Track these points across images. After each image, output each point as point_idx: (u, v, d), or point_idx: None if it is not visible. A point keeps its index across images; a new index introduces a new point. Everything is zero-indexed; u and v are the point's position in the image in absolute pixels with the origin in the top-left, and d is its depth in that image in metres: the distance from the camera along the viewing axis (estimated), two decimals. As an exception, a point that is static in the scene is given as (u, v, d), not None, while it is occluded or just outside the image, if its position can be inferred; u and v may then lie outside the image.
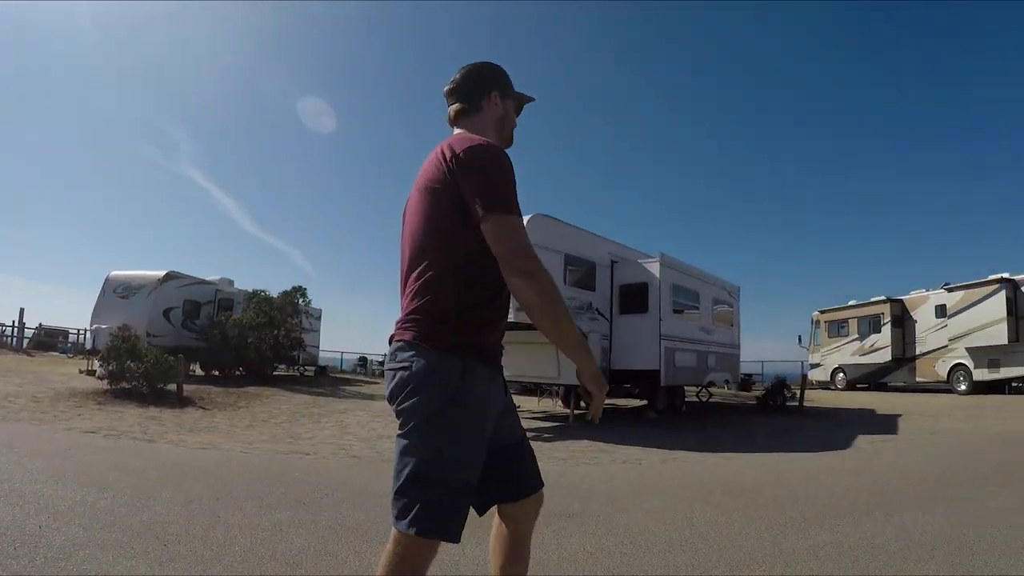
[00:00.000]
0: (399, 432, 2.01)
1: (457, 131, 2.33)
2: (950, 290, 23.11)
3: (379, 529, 4.61)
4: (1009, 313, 20.75)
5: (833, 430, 12.92)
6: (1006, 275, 21.54)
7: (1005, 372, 21.46)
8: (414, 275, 2.10)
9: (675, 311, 15.18)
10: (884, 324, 24.98)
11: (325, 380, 25.68)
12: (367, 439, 10.61)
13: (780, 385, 18.88)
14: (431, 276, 2.06)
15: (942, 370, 23.05)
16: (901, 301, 25.21)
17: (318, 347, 31.03)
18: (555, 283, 2.00)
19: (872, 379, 26.13)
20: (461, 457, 1.99)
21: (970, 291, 22.05)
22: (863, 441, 11.11)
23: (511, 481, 2.29)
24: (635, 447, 10.06)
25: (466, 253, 2.05)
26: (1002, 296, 20.86)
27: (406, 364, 2.01)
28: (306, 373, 27.99)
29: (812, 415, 16.49)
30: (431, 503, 1.91)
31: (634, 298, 14.74)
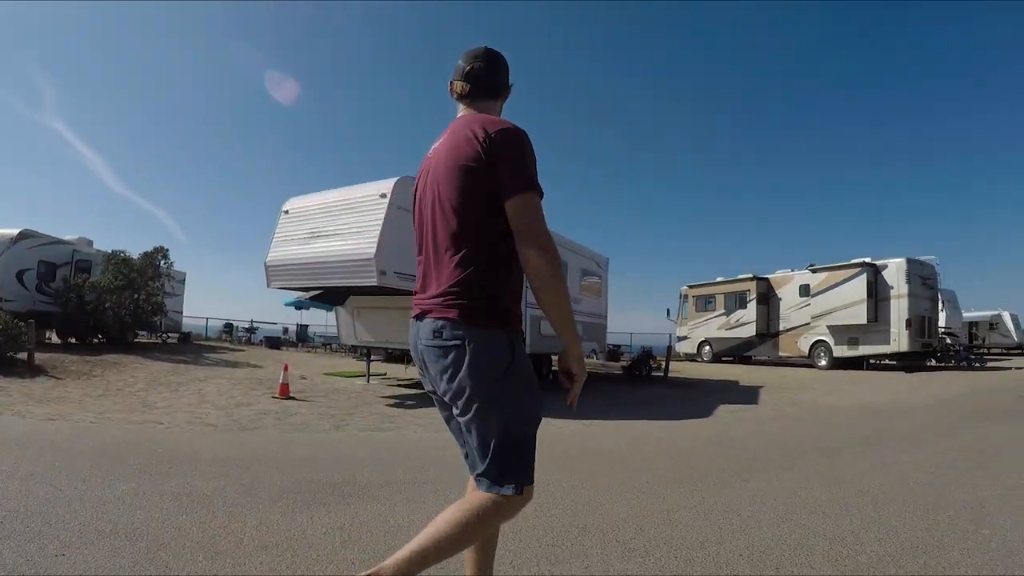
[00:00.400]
0: (462, 411, 2.13)
1: (465, 110, 2.41)
2: (815, 271, 24.02)
3: (227, 498, 4.45)
4: (869, 295, 21.86)
5: (696, 400, 13.19)
6: (868, 259, 22.63)
7: (863, 350, 22.73)
8: (451, 254, 2.17)
9: None
10: (750, 301, 25.77)
11: (188, 347, 24.56)
12: (225, 407, 10.19)
13: (646, 356, 19.22)
14: (472, 257, 2.15)
15: (804, 346, 24.05)
16: (767, 279, 26.03)
17: (182, 313, 29.21)
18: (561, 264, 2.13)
19: (737, 352, 26.94)
20: (530, 416, 2.21)
21: (834, 273, 23.05)
22: (724, 410, 11.32)
23: None
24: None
25: (500, 233, 2.13)
26: (863, 279, 21.93)
27: (458, 342, 2.10)
28: (169, 340, 26.87)
29: (676, 385, 16.88)
30: (524, 461, 2.15)
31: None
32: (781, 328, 24.84)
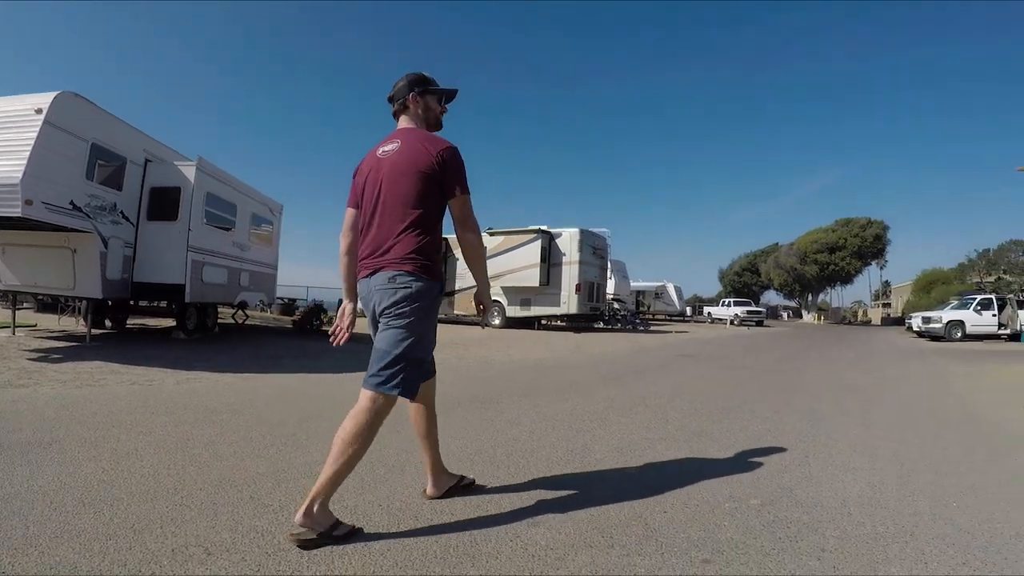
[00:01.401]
0: (393, 327, 3.08)
1: (403, 124, 3.41)
2: (492, 234, 25.19)
3: None
4: (543, 260, 23.68)
5: (361, 354, 12.89)
6: (544, 227, 24.32)
7: (536, 311, 24.71)
8: (404, 227, 3.12)
9: (209, 223, 13.53)
10: None
11: None
12: None
13: (316, 309, 18.95)
14: (420, 231, 3.14)
15: (493, 305, 25.12)
16: (447, 239, 26.23)
17: None
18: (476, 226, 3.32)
19: None
20: (429, 346, 3.25)
21: (510, 237, 24.47)
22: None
23: None
24: (153, 368, 9.13)
25: (437, 219, 3.25)
26: (538, 245, 23.67)
27: (408, 285, 3.08)
28: None
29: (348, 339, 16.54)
30: (413, 375, 3.14)
31: (164, 203, 12.61)
32: (458, 287, 25.60)
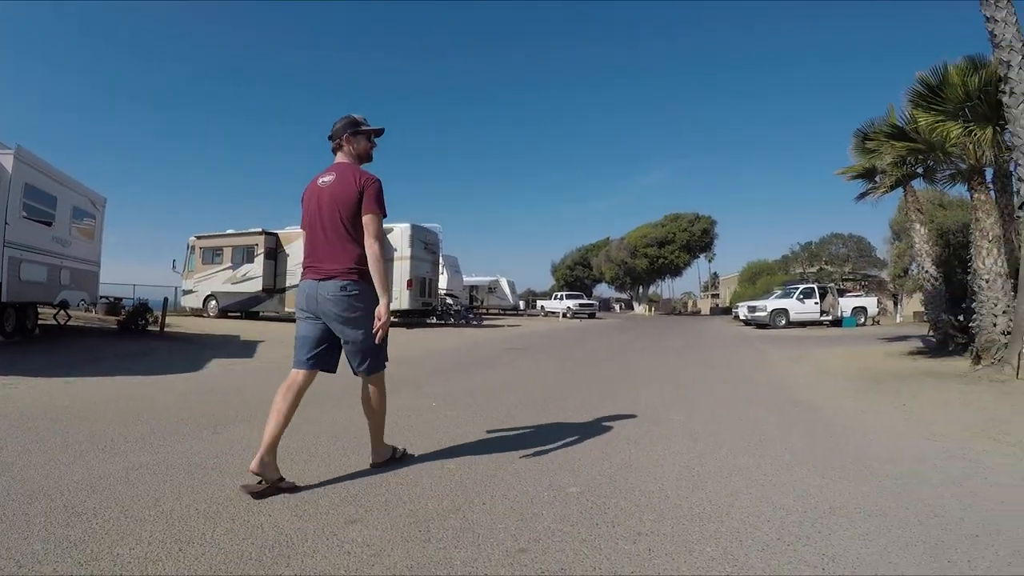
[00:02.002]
0: (352, 327, 3.96)
1: (339, 159, 4.21)
2: (322, 229, 24.34)
3: None
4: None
5: (189, 354, 12.61)
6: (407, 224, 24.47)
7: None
8: (341, 245, 3.97)
9: (27, 216, 12.18)
10: (258, 255, 25.37)
11: None
12: None
13: (142, 309, 17.97)
14: (354, 246, 3.97)
15: (309, 304, 24.26)
16: (276, 235, 25.92)
17: None
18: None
19: (244, 308, 26.17)
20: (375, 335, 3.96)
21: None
22: (216, 364, 10.99)
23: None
24: (-33, 374, 8.40)
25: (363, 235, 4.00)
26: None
27: (357, 291, 3.94)
28: None
29: (173, 339, 15.94)
30: (383, 354, 4.19)
31: (-23, 196, 11.20)
32: (288, 284, 24.92)
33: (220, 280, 26.43)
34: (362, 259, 3.95)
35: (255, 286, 25.24)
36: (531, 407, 7.07)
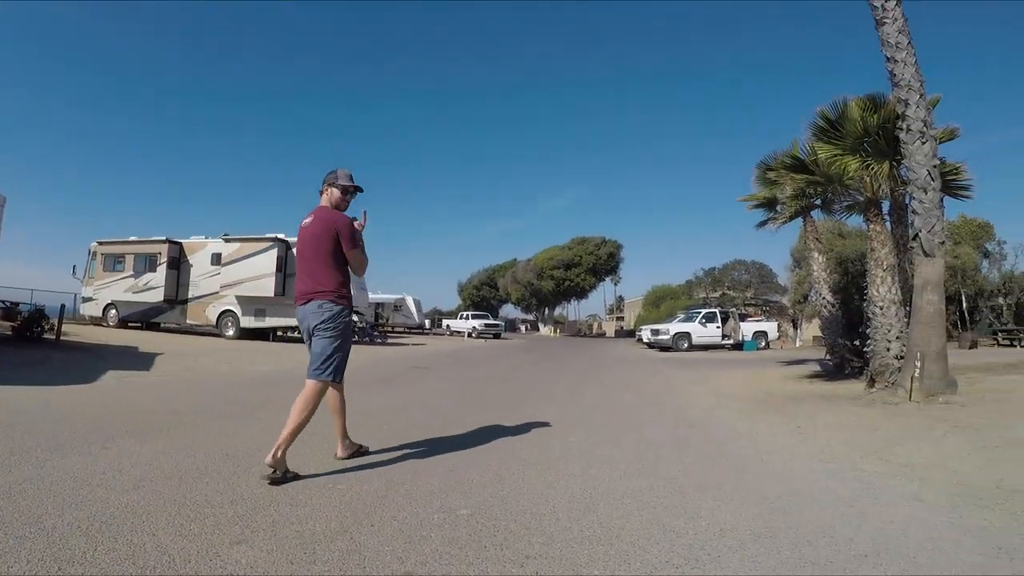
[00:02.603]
0: (324, 338, 4.74)
1: (321, 202, 5.05)
2: (228, 240, 23.92)
3: None
4: (278, 269, 22.73)
5: (85, 364, 12.19)
6: (281, 235, 23.45)
7: (270, 321, 23.55)
8: (322, 273, 4.82)
9: None
10: (160, 264, 24.34)
11: None
12: None
13: (38, 315, 17.23)
14: (333, 274, 4.85)
15: (212, 315, 23.84)
16: (180, 244, 24.98)
17: None
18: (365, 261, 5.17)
19: (145, 318, 25.20)
20: (349, 348, 4.97)
21: (246, 244, 23.32)
22: (112, 376, 10.67)
23: None
24: None
25: (342, 263, 4.93)
26: (274, 253, 22.73)
27: (332, 310, 4.77)
28: None
29: (70, 349, 15.34)
30: (341, 367, 4.86)
31: None
32: (191, 295, 24.17)
33: (121, 288, 25.15)
34: (339, 285, 4.87)
35: (156, 296, 24.17)
36: (429, 427, 6.92)
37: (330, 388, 4.91)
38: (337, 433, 5.17)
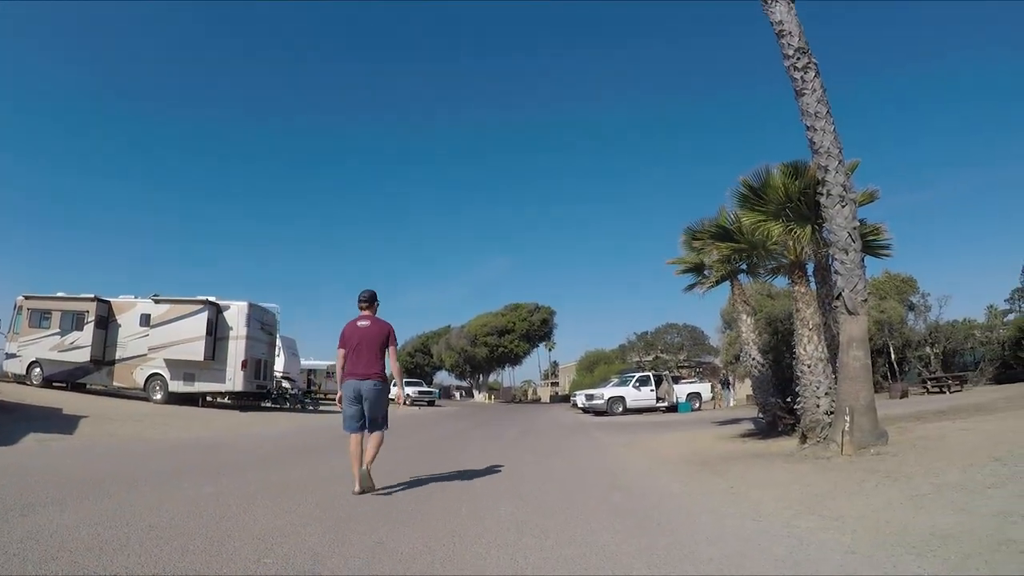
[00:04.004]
0: (374, 405, 7.04)
1: (368, 312, 7.36)
2: (158, 301, 23.33)
3: None
4: (209, 333, 22.23)
5: (5, 424, 11.81)
6: (212, 298, 23.07)
7: (200, 386, 22.85)
8: (376, 361, 7.09)
9: None
10: (88, 323, 23.26)
11: None
12: None
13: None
14: (381, 362, 7.17)
15: (140, 377, 22.97)
16: (109, 303, 24.10)
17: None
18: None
19: (71, 378, 23.84)
20: (387, 411, 7.38)
21: (177, 306, 22.76)
22: (33, 439, 10.44)
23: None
24: None
25: (386, 355, 7.29)
26: (205, 316, 22.27)
27: (381, 387, 7.10)
28: None
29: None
30: (385, 422, 7.28)
31: None
32: (118, 356, 23.20)
33: (47, 346, 23.79)
34: (383, 368, 7.13)
35: (83, 356, 23.00)
36: (356, 499, 6.62)
37: (364, 436, 6.96)
38: (356, 473, 6.82)
